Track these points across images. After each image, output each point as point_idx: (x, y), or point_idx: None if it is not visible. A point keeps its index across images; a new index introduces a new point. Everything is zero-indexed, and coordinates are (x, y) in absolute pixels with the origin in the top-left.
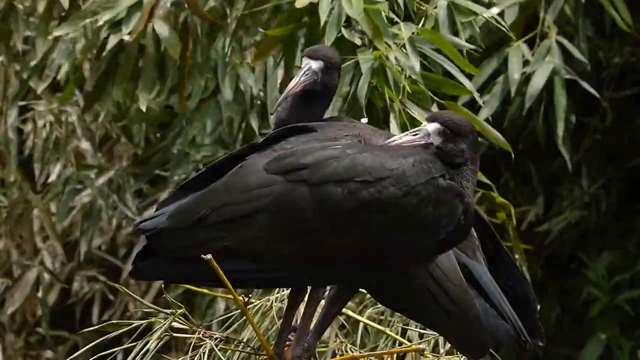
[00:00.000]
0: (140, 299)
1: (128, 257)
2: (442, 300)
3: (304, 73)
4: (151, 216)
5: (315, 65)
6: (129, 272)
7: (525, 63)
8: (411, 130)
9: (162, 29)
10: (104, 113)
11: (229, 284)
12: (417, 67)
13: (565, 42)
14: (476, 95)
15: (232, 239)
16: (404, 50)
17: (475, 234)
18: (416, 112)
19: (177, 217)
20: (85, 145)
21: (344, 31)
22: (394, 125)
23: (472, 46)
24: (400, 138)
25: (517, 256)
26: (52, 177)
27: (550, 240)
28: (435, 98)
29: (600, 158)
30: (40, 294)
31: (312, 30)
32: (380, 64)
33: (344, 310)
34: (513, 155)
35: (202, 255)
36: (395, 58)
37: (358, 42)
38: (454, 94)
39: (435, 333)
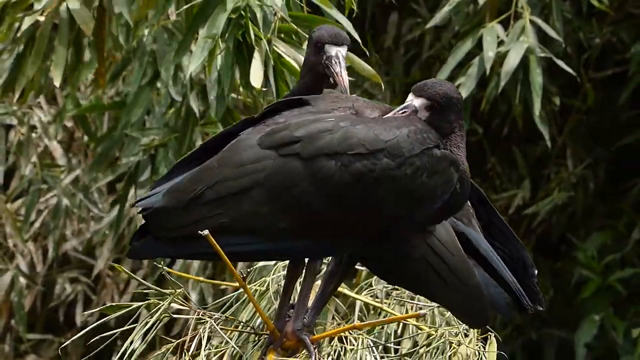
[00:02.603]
0: (141, 280)
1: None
2: (442, 270)
3: (342, 63)
4: (147, 195)
5: (343, 51)
6: (127, 253)
7: (500, 44)
8: (398, 108)
9: (75, 5)
10: (17, 93)
11: (227, 260)
12: (279, 2)
13: (539, 21)
14: (352, 31)
15: (228, 215)
16: None
17: (469, 202)
18: (284, 50)
19: (172, 195)
20: (50, 144)
21: None
22: (257, 62)
23: None
24: (390, 115)
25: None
26: (17, 179)
27: (538, 222)
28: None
29: (585, 139)
30: (15, 298)
31: None
32: (247, 4)
33: (340, 290)
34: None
35: (200, 232)
36: None
37: None
38: None
39: (432, 307)
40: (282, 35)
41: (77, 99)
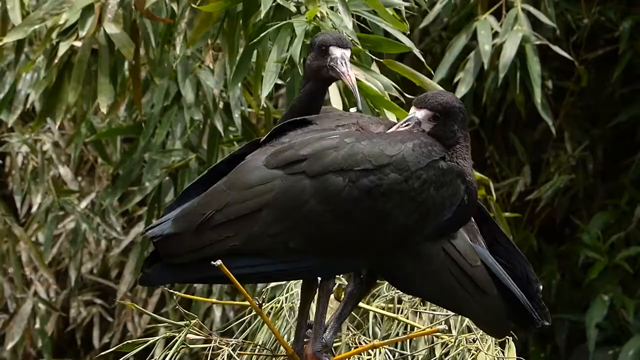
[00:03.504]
0: (153, 314)
1: (120, 277)
2: (464, 282)
3: (348, 64)
4: (157, 223)
5: (348, 54)
6: (139, 280)
7: (495, 35)
8: (401, 121)
9: (113, 30)
10: (58, 121)
11: (241, 287)
12: (350, 26)
13: (531, 9)
14: (416, 51)
15: (238, 237)
16: (339, 14)
17: (473, 219)
18: (357, 73)
19: (182, 221)
20: (63, 171)
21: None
22: (332, 86)
23: (406, 3)
24: (394, 129)
25: (501, 229)
26: (34, 207)
27: (541, 207)
28: (375, 58)
29: (582, 120)
30: (37, 325)
31: (248, 3)
32: (315, 26)
33: None
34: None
35: (213, 262)
36: (330, 20)
37: (293, 9)
38: (393, 52)
39: (447, 314)
40: (354, 58)
41: (91, 123)
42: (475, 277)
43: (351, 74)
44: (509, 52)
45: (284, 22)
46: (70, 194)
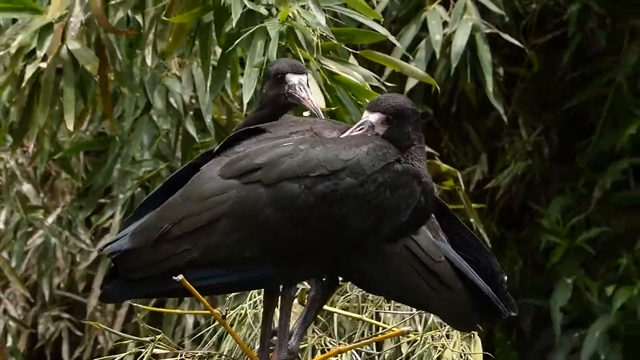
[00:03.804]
0: (118, 332)
1: (89, 291)
2: (428, 278)
3: (307, 89)
4: (115, 238)
5: (305, 79)
6: (99, 296)
7: (444, 25)
8: (355, 125)
9: (76, 47)
10: (32, 143)
11: (204, 300)
12: (323, 22)
13: None
14: (391, 38)
15: (196, 249)
16: (311, 12)
17: (433, 215)
18: (334, 67)
19: (139, 236)
20: (26, 187)
21: (248, 4)
22: (312, 83)
23: None
24: (347, 134)
25: (472, 220)
26: (0, 225)
27: (500, 195)
28: (351, 50)
29: (534, 106)
30: (9, 344)
31: (219, 12)
32: (289, 27)
33: None
34: (438, 91)
35: (174, 277)
36: (303, 18)
37: (264, 12)
38: (368, 41)
39: (412, 312)
40: (330, 53)
41: (56, 139)
42: (439, 272)
43: (312, 97)
44: (459, 42)
45: (257, 27)
46: (37, 210)
